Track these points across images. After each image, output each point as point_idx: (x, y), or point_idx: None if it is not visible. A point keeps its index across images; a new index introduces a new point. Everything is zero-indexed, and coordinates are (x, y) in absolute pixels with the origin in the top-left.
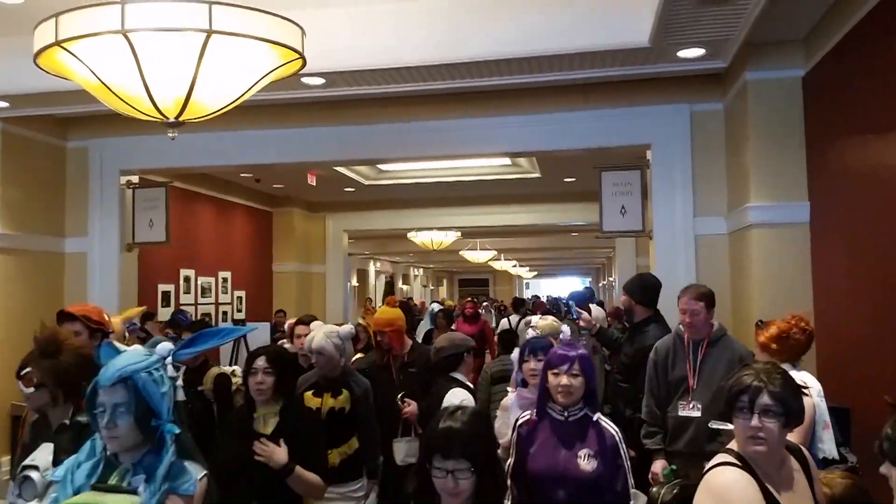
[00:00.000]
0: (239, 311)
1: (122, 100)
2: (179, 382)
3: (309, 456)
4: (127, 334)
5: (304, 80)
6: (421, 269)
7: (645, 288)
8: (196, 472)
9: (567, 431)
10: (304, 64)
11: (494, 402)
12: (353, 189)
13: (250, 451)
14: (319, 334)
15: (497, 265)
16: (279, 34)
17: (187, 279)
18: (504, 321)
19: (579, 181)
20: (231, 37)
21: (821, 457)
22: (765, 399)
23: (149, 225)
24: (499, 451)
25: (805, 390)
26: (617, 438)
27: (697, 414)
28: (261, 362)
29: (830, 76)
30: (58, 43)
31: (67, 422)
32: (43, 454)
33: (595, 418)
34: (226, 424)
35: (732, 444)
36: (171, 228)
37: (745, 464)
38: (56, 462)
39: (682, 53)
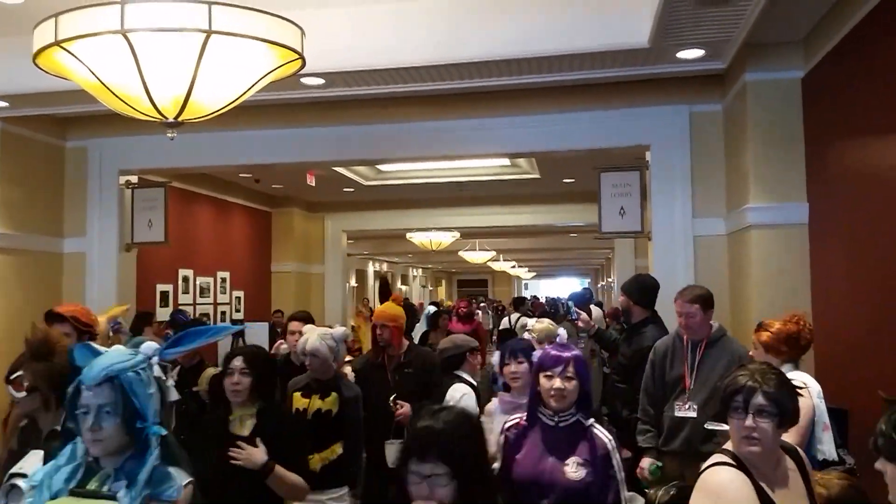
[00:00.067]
0: (237, 311)
1: (121, 100)
2: (169, 383)
3: (289, 458)
4: (111, 334)
5: (304, 80)
6: (420, 270)
7: (643, 289)
8: (181, 479)
9: (557, 438)
10: (304, 64)
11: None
12: (352, 189)
13: (227, 455)
14: (314, 336)
15: (496, 266)
16: (278, 34)
17: (186, 279)
18: (504, 321)
19: (578, 182)
20: (230, 37)
21: (820, 458)
22: (759, 399)
23: (148, 225)
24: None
25: (802, 391)
26: (610, 447)
27: (693, 414)
28: (238, 363)
29: (830, 77)
30: (57, 43)
31: (59, 427)
32: (31, 462)
33: (588, 424)
34: (200, 428)
35: (728, 445)
36: (170, 228)
37: (740, 464)
38: None
39: (682, 54)
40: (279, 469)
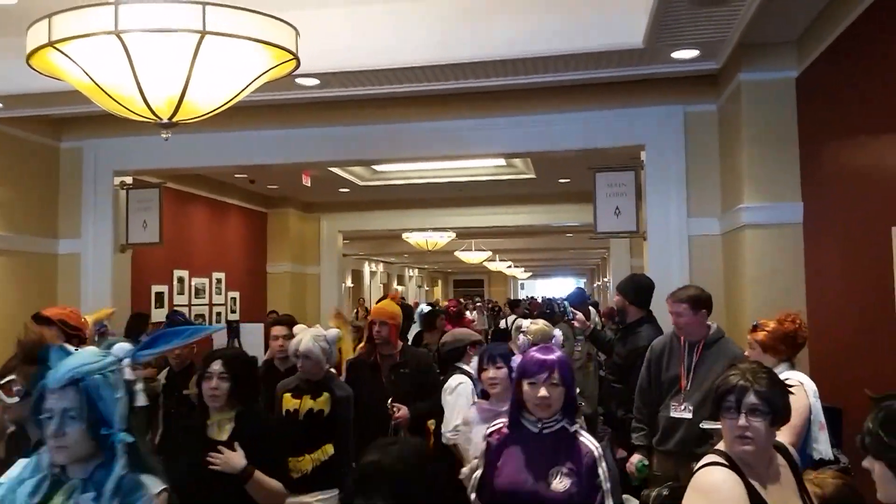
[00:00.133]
0: (233, 311)
1: (115, 100)
2: (139, 386)
3: (268, 463)
4: (96, 337)
5: (299, 80)
6: (416, 270)
7: (638, 288)
8: (153, 487)
9: (541, 445)
10: (298, 64)
11: None
12: (347, 190)
13: (204, 460)
14: (307, 337)
15: (492, 266)
16: (273, 35)
17: (181, 280)
18: (502, 322)
19: (574, 182)
20: (224, 37)
21: (816, 457)
22: (751, 398)
23: (142, 226)
24: (463, 471)
25: (795, 388)
26: (596, 455)
27: (689, 415)
28: (216, 366)
29: (824, 77)
30: (51, 44)
31: None
32: (18, 471)
33: (573, 431)
34: (176, 433)
35: (720, 445)
36: (165, 229)
37: (732, 464)
38: None
39: (676, 55)
40: (258, 474)
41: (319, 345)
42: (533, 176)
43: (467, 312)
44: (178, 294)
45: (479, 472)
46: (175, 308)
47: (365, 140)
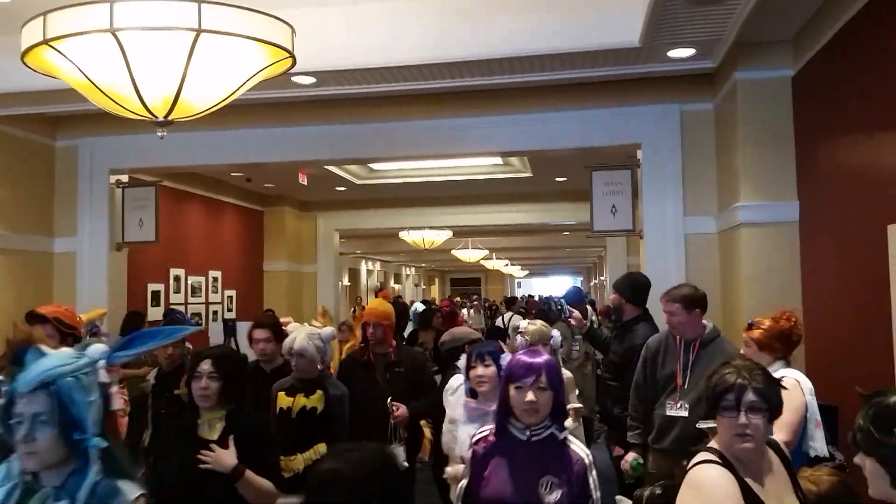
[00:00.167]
0: (229, 310)
1: (110, 99)
2: (114, 389)
3: (260, 462)
4: (88, 337)
5: (295, 79)
6: (413, 269)
7: (634, 287)
8: (130, 493)
9: (529, 454)
10: (294, 63)
11: None
12: (344, 188)
13: (195, 459)
14: (301, 336)
15: (489, 264)
16: (268, 33)
17: (177, 279)
18: (498, 321)
19: (570, 181)
20: (220, 35)
21: (812, 455)
22: (750, 396)
23: (138, 224)
24: (448, 471)
25: (789, 385)
26: (587, 463)
27: (685, 413)
28: (205, 366)
29: (820, 76)
30: (46, 41)
31: None
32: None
33: (562, 438)
34: (166, 432)
35: (713, 443)
36: (161, 228)
37: (725, 461)
38: None
39: (673, 53)
40: (249, 473)
41: (314, 343)
42: (530, 174)
43: (464, 311)
44: (174, 292)
45: (464, 483)
46: (171, 306)
47: (361, 138)
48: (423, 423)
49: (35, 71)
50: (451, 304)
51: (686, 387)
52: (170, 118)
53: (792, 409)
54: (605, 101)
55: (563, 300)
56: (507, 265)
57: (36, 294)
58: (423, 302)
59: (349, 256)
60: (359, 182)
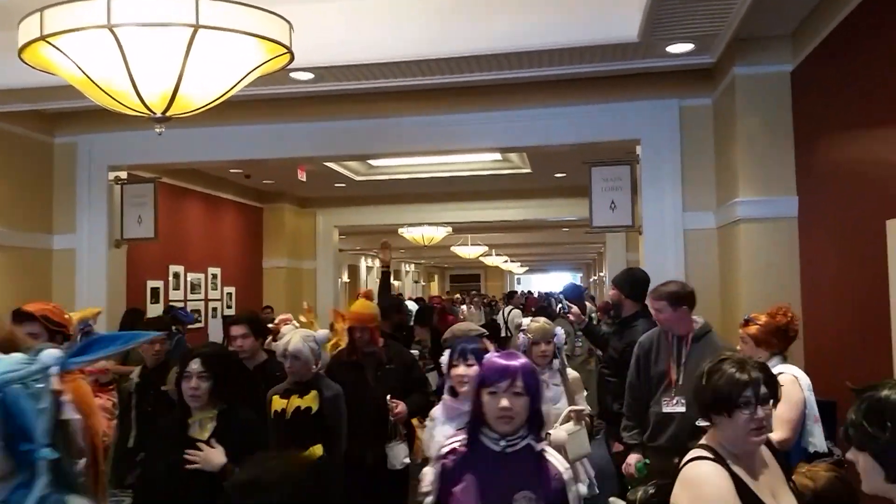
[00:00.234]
0: (229, 307)
1: (108, 95)
2: (66, 398)
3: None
4: (80, 336)
5: (293, 74)
6: (412, 265)
7: (634, 282)
8: None
9: (503, 467)
10: (292, 59)
11: None
12: (343, 185)
13: (184, 459)
14: (296, 337)
15: (488, 260)
16: (267, 29)
17: (177, 275)
18: (498, 316)
19: (570, 176)
20: (218, 31)
21: (811, 450)
22: (763, 389)
23: (137, 221)
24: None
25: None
26: (566, 477)
27: (682, 409)
28: (195, 366)
29: (819, 71)
30: (43, 38)
31: None
32: None
33: (539, 449)
34: (156, 432)
35: (705, 439)
36: (160, 224)
37: (718, 457)
38: None
39: (671, 48)
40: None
41: (308, 345)
42: (528, 170)
43: (463, 307)
44: (173, 289)
45: (430, 500)
46: (171, 303)
47: (360, 134)
48: (415, 423)
49: (32, 67)
50: (442, 302)
51: (680, 383)
52: (168, 114)
53: (791, 406)
54: (604, 97)
55: (561, 296)
56: (506, 261)
57: (34, 291)
58: (418, 300)
59: (348, 253)
60: (358, 178)
